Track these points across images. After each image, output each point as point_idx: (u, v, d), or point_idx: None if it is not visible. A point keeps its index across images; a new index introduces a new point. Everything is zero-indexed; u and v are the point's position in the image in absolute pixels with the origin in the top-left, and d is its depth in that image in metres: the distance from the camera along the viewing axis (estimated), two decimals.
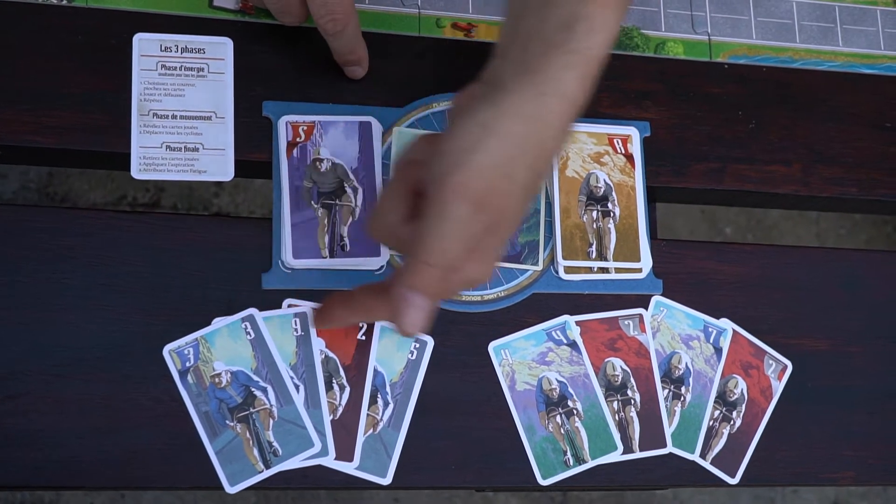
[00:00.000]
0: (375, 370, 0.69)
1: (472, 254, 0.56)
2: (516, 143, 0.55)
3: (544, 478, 0.70)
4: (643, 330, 0.74)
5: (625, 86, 0.79)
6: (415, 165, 0.59)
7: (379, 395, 0.69)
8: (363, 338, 0.69)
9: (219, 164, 0.70)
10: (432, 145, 0.57)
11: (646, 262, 0.75)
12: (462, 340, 0.72)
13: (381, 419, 0.69)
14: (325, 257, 0.69)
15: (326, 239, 0.69)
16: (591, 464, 0.71)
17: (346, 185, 0.71)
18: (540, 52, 0.56)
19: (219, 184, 1.57)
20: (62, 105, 0.69)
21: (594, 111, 0.77)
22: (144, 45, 0.70)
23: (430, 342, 0.70)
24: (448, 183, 0.54)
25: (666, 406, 0.73)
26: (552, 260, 0.74)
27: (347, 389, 0.69)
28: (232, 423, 0.66)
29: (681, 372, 0.74)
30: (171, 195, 1.56)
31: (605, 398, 0.72)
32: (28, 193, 1.55)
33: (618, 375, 0.73)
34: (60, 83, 0.69)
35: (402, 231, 0.59)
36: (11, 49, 0.69)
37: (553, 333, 0.73)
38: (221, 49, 0.72)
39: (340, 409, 0.68)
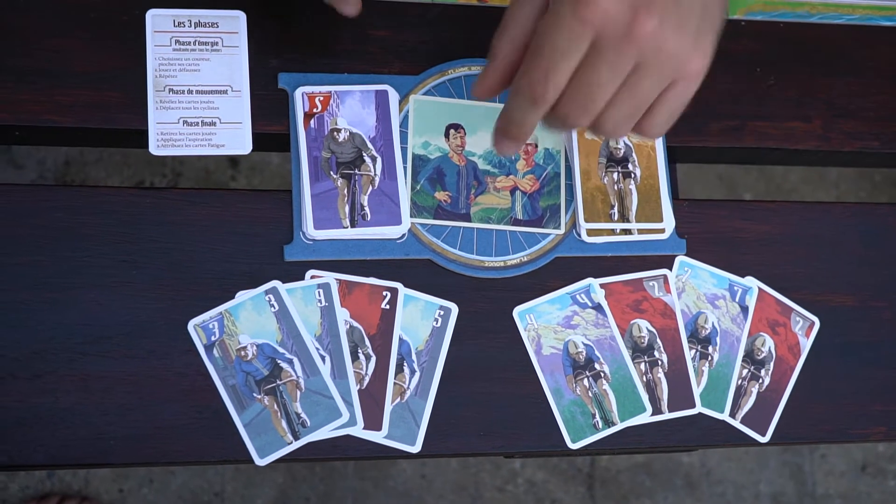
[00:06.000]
0: (401, 339, 0.69)
1: None
2: None
3: (574, 441, 0.70)
4: (668, 290, 0.73)
5: None
6: None
7: (405, 364, 0.69)
8: (387, 307, 0.69)
9: (236, 138, 0.70)
10: None
11: (668, 222, 0.74)
12: (486, 306, 0.71)
13: (408, 387, 0.69)
14: (347, 227, 0.69)
15: (347, 209, 0.69)
16: (620, 426, 0.71)
17: (364, 154, 0.70)
18: None
19: (235, 166, 1.57)
20: (77, 84, 0.68)
21: None
22: (157, 20, 0.70)
23: (455, 309, 0.70)
24: None
25: (693, 366, 0.73)
26: (574, 223, 0.73)
27: (373, 359, 0.68)
28: (259, 396, 0.66)
29: (707, 331, 0.74)
30: (189, 179, 1.56)
31: (633, 360, 0.72)
32: (45, 183, 1.55)
33: (644, 337, 0.72)
34: (74, 62, 0.69)
35: None
36: (24, 29, 0.68)
37: (578, 297, 0.72)
38: (235, 23, 0.71)
39: (367, 379, 0.68)
